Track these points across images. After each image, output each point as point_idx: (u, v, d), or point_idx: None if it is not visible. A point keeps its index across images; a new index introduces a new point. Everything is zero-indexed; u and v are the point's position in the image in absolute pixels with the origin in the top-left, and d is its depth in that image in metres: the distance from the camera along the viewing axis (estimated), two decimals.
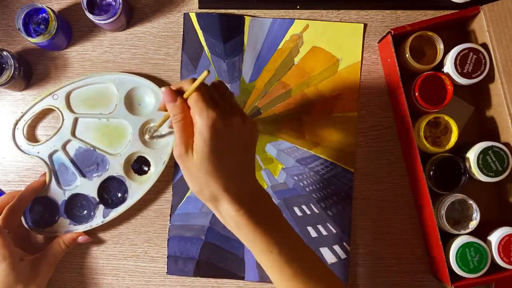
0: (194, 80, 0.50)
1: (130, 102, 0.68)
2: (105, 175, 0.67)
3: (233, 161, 0.50)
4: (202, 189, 0.50)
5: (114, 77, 0.67)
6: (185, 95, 0.50)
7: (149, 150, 0.67)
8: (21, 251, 0.63)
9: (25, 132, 0.67)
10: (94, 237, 0.68)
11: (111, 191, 0.67)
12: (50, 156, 0.67)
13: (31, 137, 0.68)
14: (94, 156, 0.67)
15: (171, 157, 0.67)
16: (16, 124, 0.66)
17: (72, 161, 0.67)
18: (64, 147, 0.67)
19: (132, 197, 0.67)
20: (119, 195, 0.67)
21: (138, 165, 0.68)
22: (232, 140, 0.50)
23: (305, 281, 0.52)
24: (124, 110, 0.67)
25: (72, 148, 0.67)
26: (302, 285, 0.52)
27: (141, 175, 0.68)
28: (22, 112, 0.66)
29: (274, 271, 0.52)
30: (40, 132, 0.68)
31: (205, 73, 0.48)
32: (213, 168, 0.49)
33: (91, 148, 0.67)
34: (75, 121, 0.67)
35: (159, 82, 0.68)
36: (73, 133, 0.67)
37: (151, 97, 0.67)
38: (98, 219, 0.66)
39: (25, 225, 0.66)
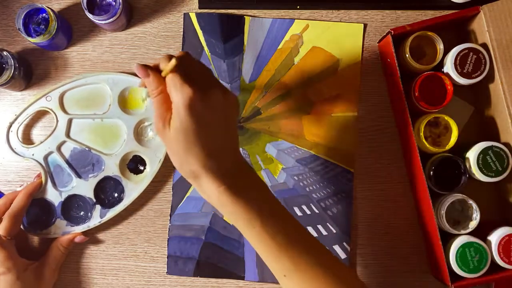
0: (170, 57, 0.49)
1: (124, 102, 0.67)
2: (101, 175, 0.67)
3: (212, 137, 0.49)
4: (182, 165, 0.50)
5: (107, 77, 0.67)
6: (163, 74, 0.50)
7: (145, 149, 0.67)
8: (25, 260, 0.62)
9: (19, 135, 0.66)
10: (94, 237, 0.68)
11: (107, 191, 0.67)
12: (45, 158, 0.66)
13: (26, 139, 0.68)
14: (90, 157, 0.67)
15: (167, 156, 0.67)
16: (10, 126, 0.66)
17: (67, 162, 0.67)
18: (59, 148, 0.67)
19: (128, 196, 0.67)
20: (116, 195, 0.67)
21: (134, 164, 0.68)
22: (211, 115, 0.49)
23: (291, 254, 0.51)
24: (118, 110, 0.67)
25: (67, 149, 0.67)
26: (287, 259, 0.51)
27: (137, 174, 0.68)
28: (15, 115, 0.66)
29: (258, 245, 0.51)
30: (34, 134, 0.68)
31: (174, 61, 0.48)
32: (190, 144, 0.48)
33: (86, 149, 0.67)
34: (69, 122, 0.67)
35: None
36: (67, 134, 0.67)
37: (145, 96, 0.67)
38: (95, 220, 0.66)
39: (22, 228, 0.65)
